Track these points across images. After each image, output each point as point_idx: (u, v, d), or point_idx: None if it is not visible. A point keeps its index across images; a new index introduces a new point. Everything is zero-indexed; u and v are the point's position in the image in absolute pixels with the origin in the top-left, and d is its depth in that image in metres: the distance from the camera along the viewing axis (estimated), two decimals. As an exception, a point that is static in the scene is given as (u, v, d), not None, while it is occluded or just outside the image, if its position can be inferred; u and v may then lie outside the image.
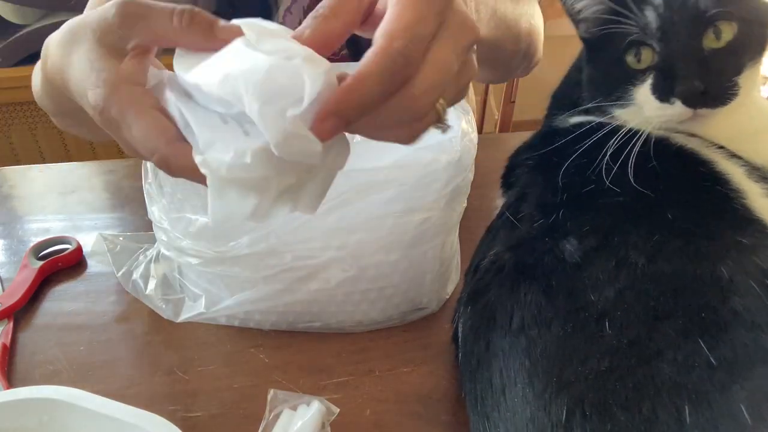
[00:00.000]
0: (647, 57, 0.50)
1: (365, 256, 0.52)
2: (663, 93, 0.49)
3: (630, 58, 0.51)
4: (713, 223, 0.44)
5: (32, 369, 0.54)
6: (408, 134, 0.33)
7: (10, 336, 0.57)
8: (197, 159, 0.30)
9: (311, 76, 0.28)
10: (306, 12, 0.81)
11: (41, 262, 0.65)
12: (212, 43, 0.33)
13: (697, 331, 0.37)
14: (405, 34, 0.29)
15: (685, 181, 0.48)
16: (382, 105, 0.30)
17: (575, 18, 0.55)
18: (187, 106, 0.32)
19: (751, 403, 0.34)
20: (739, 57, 0.48)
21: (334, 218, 0.49)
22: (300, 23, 0.83)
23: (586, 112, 0.56)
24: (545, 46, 0.79)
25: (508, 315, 0.43)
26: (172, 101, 0.33)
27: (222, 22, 0.34)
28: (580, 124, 0.53)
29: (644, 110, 0.50)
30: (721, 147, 0.51)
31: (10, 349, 0.56)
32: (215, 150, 0.30)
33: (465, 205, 0.56)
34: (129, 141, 0.35)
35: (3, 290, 0.63)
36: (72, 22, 0.38)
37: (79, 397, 0.41)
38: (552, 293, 0.42)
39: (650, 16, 0.48)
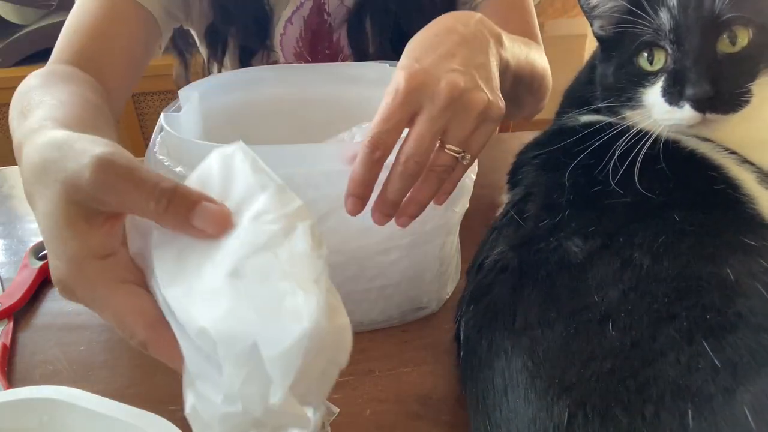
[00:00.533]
0: (660, 59, 0.49)
1: (365, 257, 0.52)
2: (672, 96, 0.48)
3: (642, 60, 0.50)
4: (720, 225, 0.44)
5: (32, 369, 0.54)
6: (444, 188, 0.46)
7: (10, 336, 0.57)
8: (187, 413, 0.30)
9: (292, 353, 0.27)
10: (307, 22, 0.81)
11: (41, 262, 0.64)
12: (189, 230, 0.31)
13: (702, 333, 0.37)
14: (374, 128, 0.42)
15: (694, 184, 0.47)
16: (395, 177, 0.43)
17: (590, 14, 0.54)
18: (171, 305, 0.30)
19: (755, 407, 0.34)
20: (754, 63, 0.47)
21: (334, 220, 0.48)
22: (301, 33, 0.86)
23: (597, 111, 0.56)
24: (546, 46, 0.79)
25: (511, 314, 0.43)
26: (157, 290, 0.31)
27: (200, 207, 0.31)
28: (590, 124, 0.53)
29: (653, 113, 0.50)
30: (733, 152, 0.50)
31: (10, 349, 0.55)
32: (203, 381, 0.29)
33: (467, 206, 0.56)
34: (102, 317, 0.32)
35: (3, 290, 0.63)
36: (45, 153, 0.34)
37: (79, 397, 0.41)
38: (556, 293, 0.42)
39: (664, 17, 0.48)
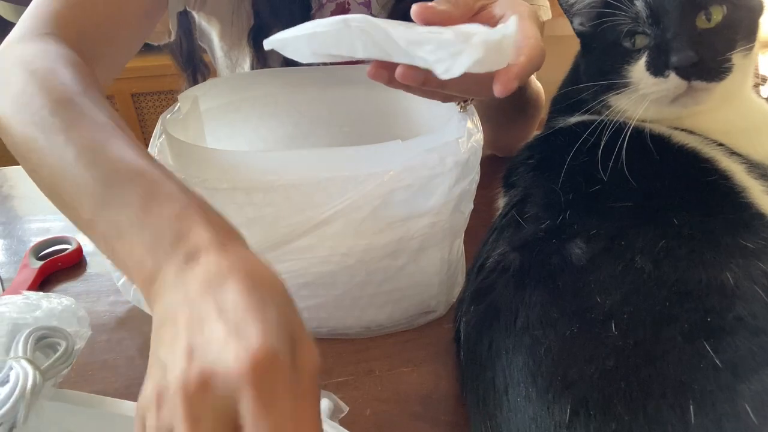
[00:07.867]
0: (641, 42, 0.51)
1: (373, 261, 0.51)
2: (658, 67, 0.49)
3: (626, 42, 0.52)
4: (719, 225, 0.44)
5: (32, 369, 0.54)
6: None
7: (9, 336, 0.57)
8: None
9: None
10: (336, 8, 0.80)
11: (41, 262, 0.64)
12: None
13: (703, 335, 0.37)
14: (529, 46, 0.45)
15: (689, 179, 0.48)
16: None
17: (569, 11, 0.56)
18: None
19: (756, 403, 0.34)
20: (732, 34, 0.49)
21: (341, 224, 0.48)
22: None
23: (585, 112, 0.57)
24: (546, 46, 0.80)
25: (512, 314, 0.43)
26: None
27: None
28: (581, 123, 0.54)
29: (640, 88, 0.51)
30: (720, 144, 0.51)
31: (10, 349, 0.55)
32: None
33: (472, 207, 0.56)
34: None
35: (3, 290, 0.63)
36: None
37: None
38: (558, 294, 0.42)
39: (640, 5, 0.49)
